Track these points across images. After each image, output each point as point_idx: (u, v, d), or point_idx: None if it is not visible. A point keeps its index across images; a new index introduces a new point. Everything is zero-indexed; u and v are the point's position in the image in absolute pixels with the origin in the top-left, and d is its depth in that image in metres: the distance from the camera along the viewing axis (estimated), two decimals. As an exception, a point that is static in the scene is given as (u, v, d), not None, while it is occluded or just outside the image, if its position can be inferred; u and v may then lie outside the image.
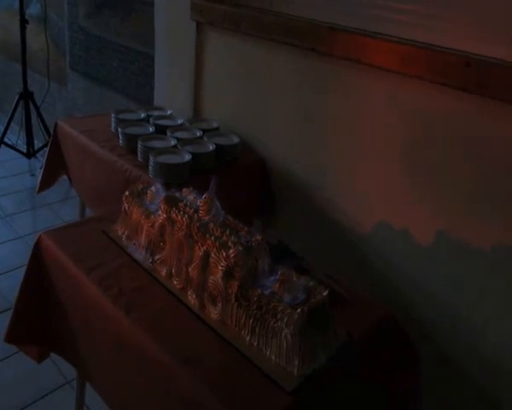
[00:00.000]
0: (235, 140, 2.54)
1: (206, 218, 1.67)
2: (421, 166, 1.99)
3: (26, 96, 4.14)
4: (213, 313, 1.56)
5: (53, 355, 2.04)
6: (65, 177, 3.01)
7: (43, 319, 1.95)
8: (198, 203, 1.74)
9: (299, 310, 1.38)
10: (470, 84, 1.76)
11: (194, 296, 1.61)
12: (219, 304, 1.55)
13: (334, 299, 1.51)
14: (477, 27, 1.83)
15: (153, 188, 1.89)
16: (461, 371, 2.00)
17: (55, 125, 2.84)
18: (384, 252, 2.16)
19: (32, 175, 4.33)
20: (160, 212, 1.75)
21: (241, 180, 2.49)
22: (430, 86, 1.89)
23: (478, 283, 1.90)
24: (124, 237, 1.88)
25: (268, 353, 1.45)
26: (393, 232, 2.12)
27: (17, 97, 4.12)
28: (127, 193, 1.90)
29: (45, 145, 4.05)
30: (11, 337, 1.96)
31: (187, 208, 1.71)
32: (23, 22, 4.01)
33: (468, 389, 2.00)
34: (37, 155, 4.35)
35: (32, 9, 4.34)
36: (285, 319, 1.40)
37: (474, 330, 1.94)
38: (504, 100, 1.70)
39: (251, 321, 1.48)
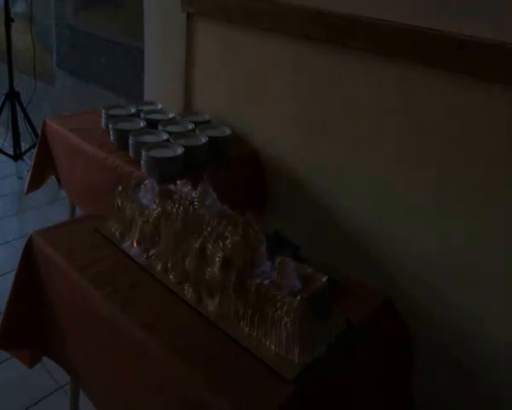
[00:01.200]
0: (228, 132, 2.56)
1: (202, 209, 1.69)
2: (419, 154, 2.02)
3: (12, 96, 4.14)
4: (211, 305, 1.58)
5: (44, 361, 2.05)
6: (53, 178, 3.02)
7: (34, 322, 1.95)
8: (193, 195, 1.76)
9: (298, 298, 1.41)
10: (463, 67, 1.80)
11: (191, 290, 1.63)
12: (217, 296, 1.56)
13: (331, 287, 1.54)
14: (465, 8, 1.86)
15: (146, 182, 1.91)
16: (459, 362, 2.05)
17: (44, 123, 2.85)
18: (381, 240, 2.19)
19: (20, 178, 4.32)
20: (154, 205, 1.77)
21: (234, 172, 2.52)
22: (421, 69, 1.92)
23: (481, 271, 1.94)
24: (117, 233, 1.89)
25: (268, 343, 1.47)
26: (390, 220, 2.16)
27: (3, 98, 4.12)
28: (120, 188, 1.91)
29: (32, 147, 4.06)
30: (2, 343, 1.97)
31: (182, 200, 1.73)
32: (8, 21, 4.01)
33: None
34: (25, 157, 4.34)
35: (18, 7, 4.35)
36: (284, 308, 1.42)
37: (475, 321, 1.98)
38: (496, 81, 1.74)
39: (250, 312, 1.50)
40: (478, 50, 1.76)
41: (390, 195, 2.14)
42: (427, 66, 1.91)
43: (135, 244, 1.82)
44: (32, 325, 1.95)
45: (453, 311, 2.03)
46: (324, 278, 1.49)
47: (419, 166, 2.03)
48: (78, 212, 2.93)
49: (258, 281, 1.49)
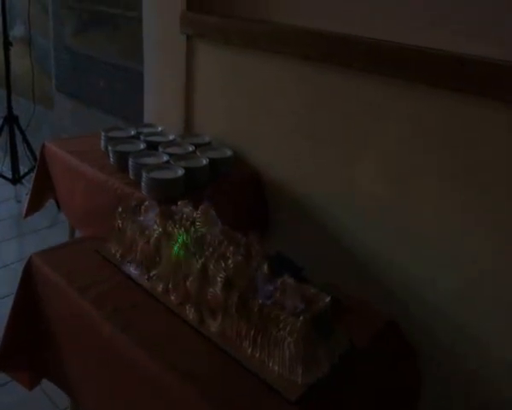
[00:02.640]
0: (229, 153, 2.57)
1: (203, 229, 1.70)
2: (420, 168, 2.03)
3: (11, 120, 4.16)
4: (213, 326, 1.58)
5: (44, 385, 2.05)
6: (52, 202, 3.02)
7: (34, 344, 1.95)
8: (194, 215, 1.77)
9: (301, 318, 1.40)
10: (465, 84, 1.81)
11: (192, 311, 1.63)
12: (219, 316, 1.56)
13: (334, 307, 1.53)
14: (466, 26, 1.89)
15: (147, 203, 1.91)
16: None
17: (43, 146, 2.85)
18: (384, 260, 2.19)
19: (18, 201, 4.32)
20: (155, 226, 1.78)
21: (235, 194, 2.51)
22: (424, 88, 1.94)
23: (484, 291, 1.93)
24: (118, 254, 1.90)
25: (271, 364, 1.47)
26: (393, 241, 2.16)
27: (1, 122, 4.14)
28: (120, 209, 1.92)
29: (31, 170, 4.07)
30: (1, 365, 1.97)
31: (183, 221, 1.73)
32: (7, 44, 4.05)
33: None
34: (23, 180, 4.35)
35: (16, 31, 4.39)
36: (288, 328, 1.42)
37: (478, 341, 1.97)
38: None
39: (252, 332, 1.49)
40: (480, 68, 1.78)
41: (393, 215, 2.14)
42: (429, 85, 1.92)
43: (135, 265, 1.82)
44: (32, 347, 1.95)
45: (458, 332, 2.02)
46: (327, 299, 1.49)
47: (421, 185, 2.03)
48: (78, 235, 2.92)
49: (260, 301, 1.49)
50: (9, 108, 4.16)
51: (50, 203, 3.07)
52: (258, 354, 1.49)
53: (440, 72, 1.87)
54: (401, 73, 1.98)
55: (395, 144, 2.08)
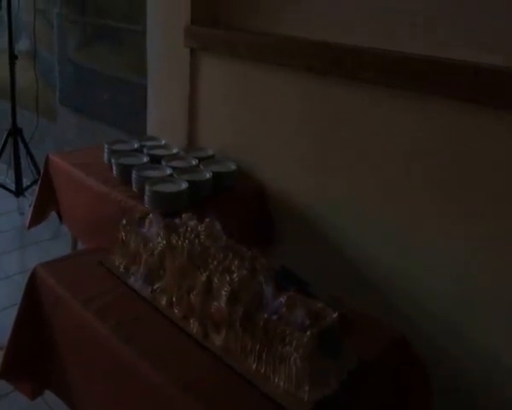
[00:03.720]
0: (233, 167, 2.54)
1: (208, 243, 1.67)
2: (432, 180, 1.99)
3: (15, 133, 4.14)
4: (217, 340, 1.54)
5: (46, 397, 2.02)
6: (54, 214, 3.00)
7: (37, 354, 1.93)
8: (199, 228, 1.74)
9: (308, 333, 1.37)
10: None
11: (196, 324, 1.60)
12: (223, 331, 1.53)
13: (342, 323, 1.50)
14: (477, 36, 1.86)
15: (151, 216, 1.89)
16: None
17: (47, 158, 2.83)
18: (393, 275, 2.15)
19: (21, 214, 4.29)
20: (159, 239, 1.75)
21: (239, 207, 2.49)
22: (433, 100, 1.91)
23: (497, 309, 1.90)
24: (121, 266, 1.87)
25: (276, 380, 1.43)
26: (403, 255, 2.12)
27: (5, 135, 4.12)
28: (124, 221, 1.89)
29: (34, 183, 4.04)
30: (5, 373, 1.94)
31: (187, 234, 1.71)
32: (12, 58, 4.04)
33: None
34: (26, 193, 4.32)
35: (21, 45, 4.38)
36: (294, 343, 1.38)
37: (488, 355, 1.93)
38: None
39: (257, 347, 1.46)
40: (493, 77, 1.75)
41: (401, 230, 2.11)
42: (440, 95, 1.89)
43: (139, 278, 1.79)
44: (35, 357, 1.92)
45: (470, 350, 1.98)
46: (335, 314, 1.45)
47: (431, 200, 2.00)
48: (80, 247, 2.89)
49: (266, 316, 1.45)
50: (14, 120, 4.13)
51: (52, 215, 3.05)
52: (263, 370, 1.46)
53: (452, 82, 1.83)
54: (408, 85, 1.95)
55: (400, 156, 2.05)
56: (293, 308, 1.45)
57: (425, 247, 2.04)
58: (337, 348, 1.45)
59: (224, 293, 1.51)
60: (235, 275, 1.53)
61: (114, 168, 2.53)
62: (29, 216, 2.94)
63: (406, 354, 1.67)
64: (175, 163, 2.54)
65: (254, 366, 1.47)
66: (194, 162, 2.56)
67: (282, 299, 1.49)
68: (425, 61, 1.90)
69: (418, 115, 1.98)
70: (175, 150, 2.70)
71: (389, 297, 2.18)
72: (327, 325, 1.42)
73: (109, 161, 2.61)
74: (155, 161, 2.56)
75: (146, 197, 2.26)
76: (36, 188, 3.00)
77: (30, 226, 2.96)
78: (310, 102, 2.33)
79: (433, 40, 1.94)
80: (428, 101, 1.93)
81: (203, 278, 1.57)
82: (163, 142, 2.81)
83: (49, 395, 2.01)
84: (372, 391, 1.56)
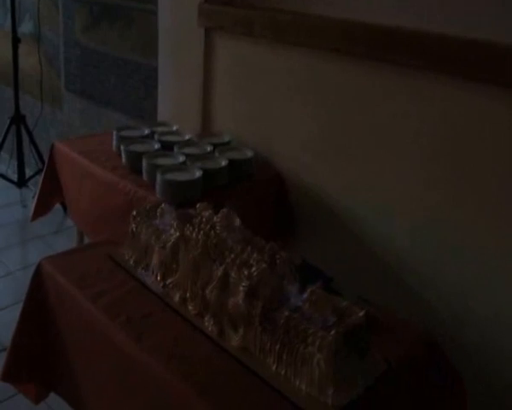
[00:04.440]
0: (249, 154, 2.53)
1: (224, 234, 1.66)
2: (463, 178, 1.98)
3: (18, 120, 4.16)
4: (234, 339, 1.53)
5: (50, 401, 2.02)
6: (58, 206, 3.01)
7: (42, 354, 1.93)
8: (214, 219, 1.73)
9: (332, 332, 1.35)
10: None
11: (211, 322, 1.59)
12: (241, 329, 1.52)
13: (369, 322, 1.48)
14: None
15: (163, 206, 1.88)
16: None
17: (52, 146, 2.84)
18: (424, 273, 2.13)
19: (24, 206, 4.32)
20: (172, 230, 1.74)
21: (257, 197, 2.49)
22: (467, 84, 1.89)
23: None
24: (131, 260, 1.87)
25: (298, 382, 1.41)
26: (434, 251, 2.10)
27: (8, 122, 4.14)
28: (135, 212, 1.89)
29: (37, 173, 4.06)
30: (8, 376, 1.94)
31: (202, 225, 1.70)
32: (15, 41, 4.04)
33: None
34: (29, 184, 4.35)
35: (24, 27, 4.39)
36: (317, 343, 1.37)
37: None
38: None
39: (277, 347, 1.45)
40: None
41: (433, 221, 2.08)
42: (474, 80, 1.87)
43: (151, 272, 1.78)
44: (40, 358, 1.92)
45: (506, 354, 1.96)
46: (362, 312, 1.44)
47: (462, 192, 1.98)
48: (87, 241, 2.90)
49: (286, 313, 1.44)
50: (17, 107, 4.15)
51: (56, 208, 3.06)
52: (283, 372, 1.44)
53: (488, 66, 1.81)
54: (443, 67, 1.93)
55: (431, 146, 2.03)
56: (317, 305, 1.44)
57: (455, 239, 2.03)
58: (364, 349, 1.44)
59: (241, 288, 1.50)
60: (253, 269, 1.51)
61: (123, 156, 2.53)
62: (32, 208, 2.95)
63: (437, 356, 1.65)
64: (188, 150, 2.53)
65: (274, 368, 1.46)
66: (208, 149, 2.55)
67: (304, 295, 1.48)
68: (460, 41, 1.87)
69: (447, 100, 1.96)
70: (188, 136, 2.69)
71: (418, 294, 2.16)
72: (353, 324, 1.41)
73: (118, 148, 2.62)
74: (167, 147, 2.56)
75: (157, 186, 2.26)
76: (39, 178, 3.01)
77: (33, 219, 2.97)
78: (333, 86, 2.31)
79: (475, 22, 1.91)
80: (459, 86, 1.91)
81: (219, 272, 1.56)
82: (175, 127, 2.80)
83: (52, 398, 2.02)
84: (401, 396, 1.54)
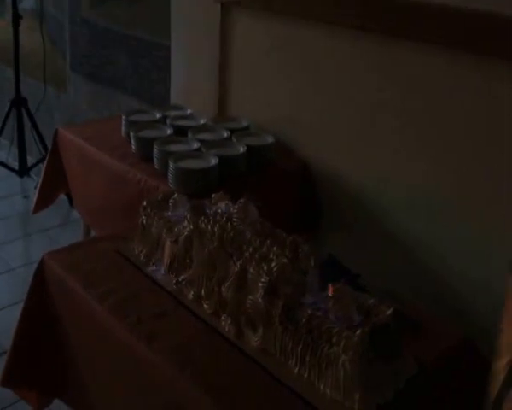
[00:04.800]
0: (270, 140, 2.55)
1: (242, 227, 1.68)
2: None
3: (19, 103, 4.18)
4: (253, 340, 1.55)
5: (53, 407, 2.05)
6: (62, 197, 3.03)
7: (45, 358, 1.95)
8: (231, 210, 1.75)
9: (358, 332, 1.37)
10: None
11: (228, 321, 1.61)
12: (260, 329, 1.54)
13: (398, 321, 1.49)
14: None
15: (175, 196, 1.90)
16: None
17: (55, 132, 2.86)
18: (458, 271, 2.14)
19: (25, 197, 4.34)
20: (185, 223, 1.76)
21: (278, 188, 2.50)
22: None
23: None
24: (142, 255, 1.89)
25: (322, 386, 1.43)
26: (466, 241, 2.11)
27: (8, 105, 4.17)
28: (145, 204, 1.91)
29: (40, 161, 4.08)
30: (8, 381, 1.97)
31: (218, 217, 1.72)
32: (16, 18, 4.07)
33: None
34: (31, 172, 4.38)
35: (26, 3, 4.42)
36: (342, 344, 1.38)
37: None
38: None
39: (300, 348, 1.46)
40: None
41: (459, 212, 2.09)
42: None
43: (162, 268, 1.81)
44: (42, 361, 1.95)
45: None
46: (390, 311, 1.45)
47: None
48: (94, 235, 2.93)
49: (309, 311, 1.46)
50: (17, 89, 4.17)
51: (61, 199, 3.08)
52: (306, 374, 1.46)
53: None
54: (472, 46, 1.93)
55: (483, 137, 2.03)
56: (341, 303, 1.45)
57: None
58: (393, 350, 1.45)
59: (260, 285, 1.51)
60: (273, 264, 1.53)
61: (133, 143, 2.56)
62: (34, 199, 2.98)
63: (474, 358, 1.66)
64: (203, 136, 2.56)
65: (296, 371, 1.48)
66: (225, 134, 2.57)
67: (329, 292, 1.49)
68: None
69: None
70: (203, 121, 2.71)
71: (452, 293, 2.16)
72: (381, 323, 1.42)
73: (127, 134, 2.64)
74: (180, 133, 2.58)
75: (170, 175, 2.28)
76: (42, 167, 3.04)
77: (35, 211, 3.00)
78: (361, 66, 2.32)
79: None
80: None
81: (236, 267, 1.58)
82: (189, 111, 2.83)
83: (56, 405, 2.05)
84: (434, 401, 1.55)
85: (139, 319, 1.64)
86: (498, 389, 1.39)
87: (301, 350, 1.46)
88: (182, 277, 1.75)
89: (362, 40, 2.27)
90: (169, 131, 2.60)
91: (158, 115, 2.78)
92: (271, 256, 1.56)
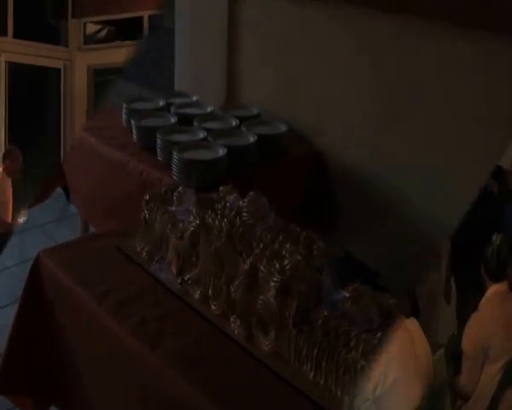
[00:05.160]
0: (282, 128, 2.54)
1: (252, 221, 1.68)
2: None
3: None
4: (264, 343, 1.55)
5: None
6: (58, 191, 3.04)
7: (41, 362, 1.96)
8: (240, 204, 1.75)
9: (378, 335, 1.37)
10: None
11: (238, 323, 1.61)
12: (272, 332, 1.53)
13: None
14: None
15: (180, 190, 1.90)
16: None
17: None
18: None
19: (20, 191, 4.38)
20: (191, 218, 1.76)
21: (291, 178, 2.50)
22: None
23: None
24: (144, 253, 1.89)
25: (339, 392, 1.43)
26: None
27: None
28: (148, 197, 1.91)
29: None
30: (3, 387, 1.99)
31: (226, 211, 1.71)
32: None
33: None
34: (26, 165, 4.40)
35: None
36: (361, 348, 1.38)
37: None
38: None
39: (315, 352, 1.46)
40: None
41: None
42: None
43: (166, 266, 1.81)
44: (38, 366, 1.96)
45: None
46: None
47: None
48: (92, 231, 2.93)
49: (325, 313, 1.46)
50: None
51: (57, 193, 3.09)
52: (322, 381, 1.46)
53: None
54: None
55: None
56: (360, 304, 1.46)
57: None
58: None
59: (272, 284, 1.51)
60: (286, 262, 1.53)
61: (134, 132, 2.56)
62: (29, 193, 2.99)
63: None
64: (210, 124, 2.56)
65: (311, 376, 1.47)
66: (234, 123, 2.57)
67: (346, 292, 1.50)
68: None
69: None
70: (210, 108, 2.71)
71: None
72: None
73: (128, 123, 2.64)
74: (185, 122, 2.58)
75: (174, 167, 2.28)
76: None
77: (30, 206, 3.01)
78: (380, 49, 2.32)
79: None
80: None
81: (246, 265, 1.59)
82: (195, 98, 2.82)
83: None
84: None
85: (142, 321, 1.64)
86: (494, 392, 1.43)
87: (317, 354, 1.46)
88: (187, 275, 1.76)
89: (381, 23, 2.27)
90: (173, 120, 2.60)
91: (161, 103, 2.77)
92: (284, 253, 1.56)
